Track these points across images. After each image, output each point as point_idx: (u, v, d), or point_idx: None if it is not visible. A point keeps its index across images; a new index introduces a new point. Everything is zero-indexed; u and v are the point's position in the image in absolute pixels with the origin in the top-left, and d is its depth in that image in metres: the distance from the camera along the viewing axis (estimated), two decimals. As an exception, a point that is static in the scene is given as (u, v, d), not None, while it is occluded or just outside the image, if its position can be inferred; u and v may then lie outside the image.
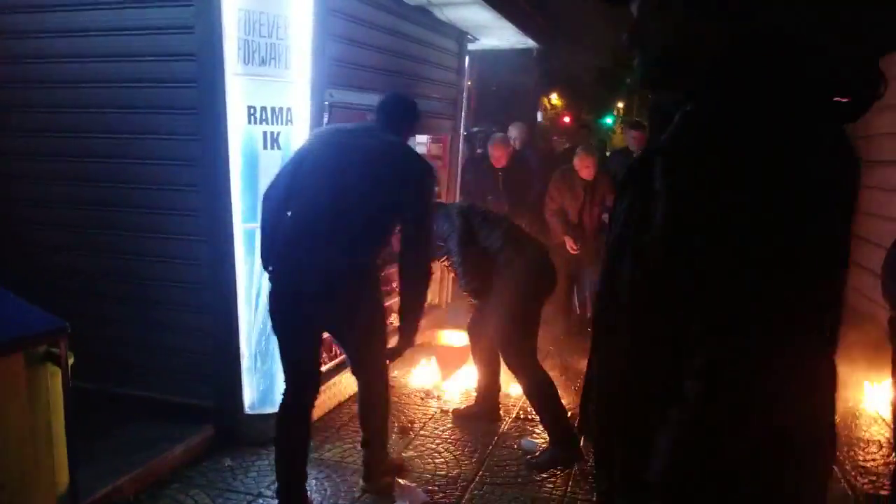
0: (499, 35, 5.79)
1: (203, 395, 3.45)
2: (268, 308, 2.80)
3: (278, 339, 2.80)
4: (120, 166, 3.39)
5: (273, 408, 3.47)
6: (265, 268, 2.83)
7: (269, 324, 2.82)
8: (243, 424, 3.46)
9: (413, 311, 2.84)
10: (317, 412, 3.59)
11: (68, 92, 3.41)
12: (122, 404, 3.44)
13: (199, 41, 3.09)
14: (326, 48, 3.43)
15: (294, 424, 2.85)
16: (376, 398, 3.01)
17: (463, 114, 5.90)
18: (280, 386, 3.46)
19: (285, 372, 2.86)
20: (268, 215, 2.76)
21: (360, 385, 3.03)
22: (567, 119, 19.81)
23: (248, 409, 3.45)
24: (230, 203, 3.21)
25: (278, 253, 2.71)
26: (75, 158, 3.47)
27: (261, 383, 3.46)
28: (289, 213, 2.72)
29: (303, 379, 2.83)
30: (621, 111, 26.78)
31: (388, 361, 3.01)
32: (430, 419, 3.95)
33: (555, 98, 22.34)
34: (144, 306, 3.47)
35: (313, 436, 3.47)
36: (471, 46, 5.88)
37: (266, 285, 3.28)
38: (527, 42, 6.12)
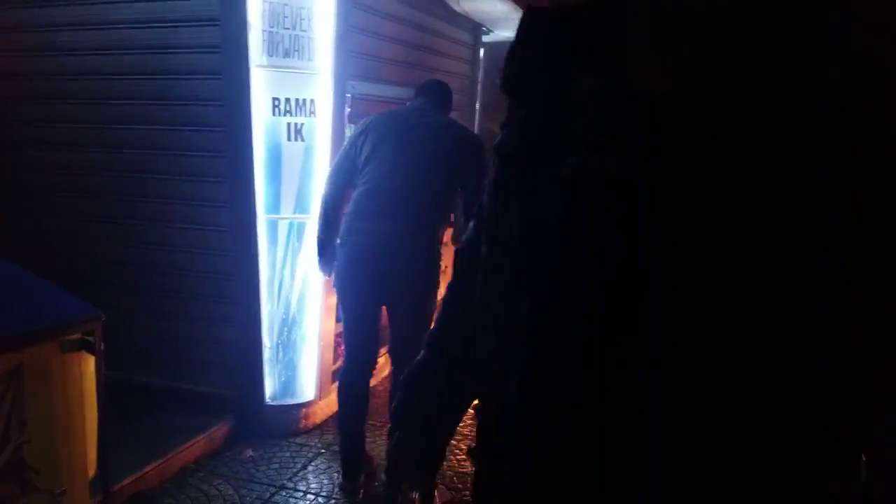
0: (514, 26, 5.77)
1: (226, 385, 3.47)
2: (337, 279, 2.92)
3: (345, 308, 2.95)
4: (149, 157, 3.40)
5: (294, 399, 3.54)
6: (321, 249, 2.97)
7: (336, 289, 2.96)
8: (264, 416, 3.48)
9: None
10: (331, 407, 3.64)
11: (100, 83, 3.42)
12: (147, 393, 3.46)
13: (224, 33, 3.10)
14: (348, 40, 3.43)
15: (355, 393, 3.00)
16: None
17: (478, 106, 5.91)
18: (300, 378, 3.54)
19: (347, 342, 3.00)
20: (330, 200, 2.93)
21: (398, 368, 3.04)
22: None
23: (269, 401, 3.48)
24: (254, 194, 3.23)
25: (349, 227, 2.84)
26: (106, 149, 3.48)
27: (282, 374, 3.49)
28: (356, 191, 2.86)
29: (365, 348, 2.97)
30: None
31: None
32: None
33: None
34: (172, 296, 3.49)
35: (328, 431, 3.56)
36: (484, 38, 5.89)
37: (290, 275, 3.38)
38: (541, 34, 6.10)
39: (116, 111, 3.42)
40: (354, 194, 2.89)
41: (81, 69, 3.44)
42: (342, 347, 3.99)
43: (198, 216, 3.38)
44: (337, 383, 3.65)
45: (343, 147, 3.01)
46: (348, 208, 2.90)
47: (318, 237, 2.99)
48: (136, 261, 3.53)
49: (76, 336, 2.21)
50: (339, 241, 2.90)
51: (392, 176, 2.80)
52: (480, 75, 5.93)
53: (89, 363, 2.27)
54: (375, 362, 3.06)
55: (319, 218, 2.99)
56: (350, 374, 3.01)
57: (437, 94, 3.04)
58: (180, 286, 3.47)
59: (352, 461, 3.05)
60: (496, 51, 7.06)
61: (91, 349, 2.25)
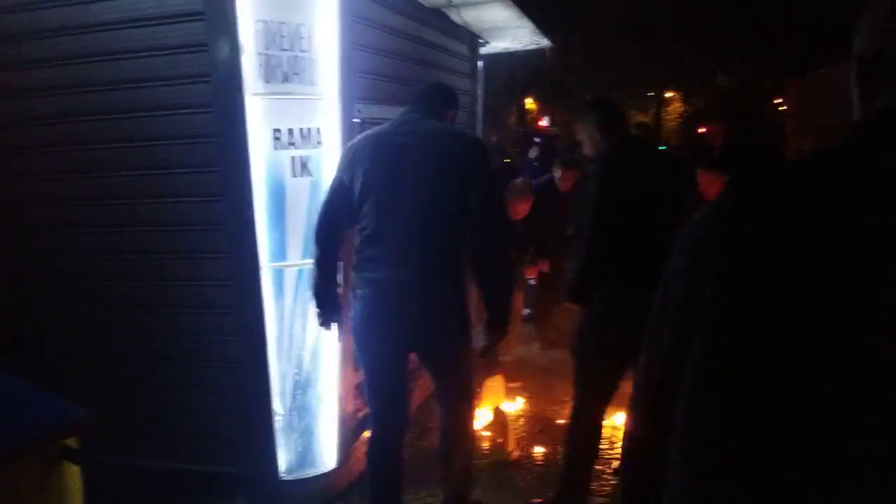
0: (513, 35, 5.44)
1: (235, 461, 3.02)
2: (355, 336, 2.60)
3: (368, 368, 2.62)
4: (132, 206, 2.96)
5: (314, 470, 3.11)
6: (318, 300, 2.63)
7: (356, 348, 2.64)
8: (281, 492, 3.04)
9: (503, 296, 2.60)
10: (355, 471, 3.23)
11: (71, 127, 2.97)
12: (142, 479, 3.00)
13: (214, 60, 2.68)
14: (352, 59, 3.03)
15: (388, 464, 2.69)
16: (466, 426, 2.75)
17: (480, 122, 5.54)
18: (319, 445, 3.10)
19: (374, 406, 2.67)
20: (322, 244, 2.59)
21: (448, 412, 2.73)
22: (543, 122, 19.50)
23: (284, 475, 3.03)
24: (255, 241, 2.80)
25: (363, 278, 2.52)
26: (86, 201, 3.03)
27: (298, 443, 3.05)
28: (361, 235, 2.53)
29: (393, 406, 2.66)
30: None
31: (481, 359, 2.88)
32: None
33: (529, 102, 22.11)
34: (164, 364, 3.04)
35: (354, 499, 3.15)
36: (481, 50, 5.53)
37: (302, 328, 2.95)
38: (541, 42, 5.76)
39: (96, 156, 2.96)
40: (359, 239, 2.55)
41: (54, 111, 2.98)
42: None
43: (190, 270, 2.94)
44: (360, 442, 3.32)
45: (331, 181, 2.63)
46: (357, 256, 2.57)
47: (314, 287, 2.64)
48: (123, 327, 3.08)
49: (58, 445, 1.78)
50: (353, 293, 2.58)
51: (396, 213, 2.46)
52: (480, 89, 5.55)
53: (73, 476, 1.83)
54: (408, 422, 2.76)
55: (313, 266, 2.64)
56: (380, 443, 2.69)
57: (426, 98, 2.67)
58: (175, 351, 3.02)
59: None
60: (492, 63, 6.73)
61: (74, 458, 1.82)
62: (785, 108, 13.76)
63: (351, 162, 2.54)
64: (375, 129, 2.67)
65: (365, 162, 2.50)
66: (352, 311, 2.59)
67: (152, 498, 2.94)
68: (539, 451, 3.71)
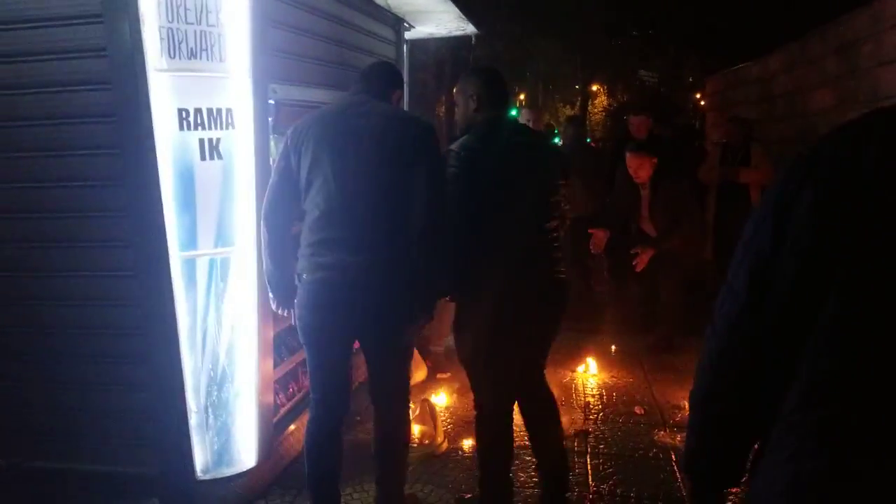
0: (437, 20, 5.37)
1: (146, 462, 2.85)
2: (301, 322, 2.53)
3: (313, 353, 2.58)
4: (24, 192, 2.73)
5: (232, 469, 2.96)
6: (273, 286, 2.58)
7: (301, 334, 2.55)
8: (196, 493, 2.88)
9: (440, 281, 2.55)
10: (277, 469, 3.13)
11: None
12: (43, 481, 2.79)
13: (111, 32, 2.48)
14: (267, 36, 2.88)
15: (327, 442, 2.63)
16: (399, 422, 2.70)
17: (406, 108, 5.43)
18: (237, 442, 2.96)
19: (315, 386, 2.60)
20: (272, 232, 2.51)
21: (381, 407, 2.68)
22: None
23: (200, 475, 2.87)
24: (163, 228, 2.62)
25: (310, 263, 2.44)
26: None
27: (215, 442, 2.89)
28: (307, 218, 2.48)
29: (337, 392, 2.62)
30: (523, 102, 27.17)
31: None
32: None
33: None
34: (65, 362, 2.83)
35: (274, 498, 3.04)
36: (406, 35, 5.43)
37: (216, 322, 2.79)
38: (466, 28, 5.72)
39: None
40: (306, 222, 2.48)
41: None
42: (292, 389, 3.52)
43: (91, 261, 2.74)
44: (283, 437, 3.20)
45: (276, 164, 2.55)
46: (303, 240, 2.50)
47: (267, 272, 2.59)
48: (17, 321, 2.84)
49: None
50: (298, 277, 2.51)
51: (345, 195, 2.40)
52: (405, 75, 5.45)
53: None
54: (349, 408, 2.70)
55: (264, 255, 2.57)
56: (323, 429, 2.62)
57: (373, 78, 2.61)
58: (77, 348, 2.81)
59: None
60: (418, 48, 6.62)
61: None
62: (703, 102, 14.32)
63: (296, 143, 2.46)
64: (322, 109, 2.61)
65: (312, 142, 2.43)
66: (297, 297, 2.52)
67: (63, 501, 2.74)
68: (469, 443, 3.65)
